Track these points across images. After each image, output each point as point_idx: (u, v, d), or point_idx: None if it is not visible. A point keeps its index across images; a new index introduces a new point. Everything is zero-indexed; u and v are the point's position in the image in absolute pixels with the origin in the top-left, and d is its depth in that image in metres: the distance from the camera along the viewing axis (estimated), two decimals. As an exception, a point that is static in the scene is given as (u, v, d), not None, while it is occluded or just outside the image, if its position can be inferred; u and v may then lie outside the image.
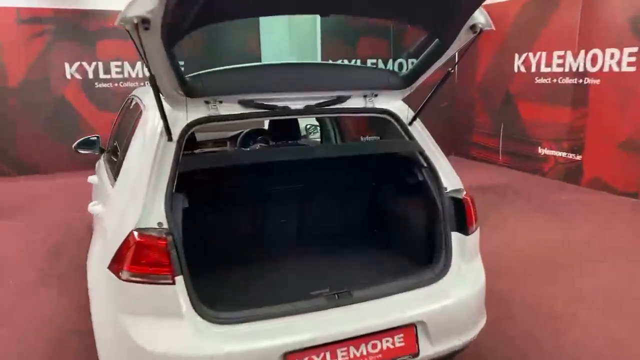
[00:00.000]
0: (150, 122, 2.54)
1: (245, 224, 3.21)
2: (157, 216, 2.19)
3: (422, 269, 2.62)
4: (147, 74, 2.02)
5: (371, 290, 2.42)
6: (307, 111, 2.66)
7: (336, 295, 2.36)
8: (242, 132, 5.18)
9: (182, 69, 2.25)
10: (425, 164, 2.78)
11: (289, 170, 3.06)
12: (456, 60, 2.82)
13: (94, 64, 8.81)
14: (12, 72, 8.47)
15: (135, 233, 2.13)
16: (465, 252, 2.64)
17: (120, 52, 8.72)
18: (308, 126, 5.17)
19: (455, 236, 2.65)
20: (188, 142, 2.73)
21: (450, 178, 2.77)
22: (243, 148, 5.07)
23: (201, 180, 2.80)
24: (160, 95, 2.23)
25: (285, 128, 3.82)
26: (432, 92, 2.63)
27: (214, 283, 2.69)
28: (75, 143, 4.54)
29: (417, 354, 2.36)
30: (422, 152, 2.78)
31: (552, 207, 6.45)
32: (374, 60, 9.38)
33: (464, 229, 2.64)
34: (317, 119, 4.65)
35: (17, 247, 5.33)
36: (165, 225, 2.17)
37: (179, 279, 2.13)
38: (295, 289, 2.56)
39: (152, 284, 2.10)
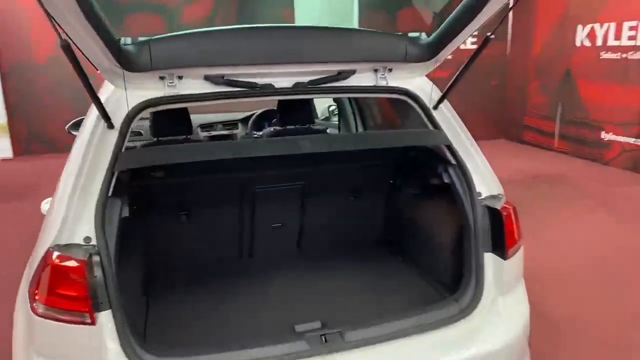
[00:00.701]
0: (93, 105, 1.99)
1: (225, 232, 2.66)
2: (85, 229, 1.66)
3: (444, 300, 2.00)
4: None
5: (371, 330, 1.82)
6: (296, 90, 2.04)
7: (323, 338, 1.77)
8: (254, 113, 4.63)
9: None
10: (453, 161, 2.12)
11: (285, 164, 2.46)
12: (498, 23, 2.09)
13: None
14: (39, 49, 8.22)
15: (55, 253, 1.60)
16: (503, 281, 1.99)
17: (150, 27, 8.31)
18: (331, 107, 4.53)
19: (490, 259, 2.00)
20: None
21: (486, 180, 2.10)
22: (255, 132, 4.52)
23: (161, 178, 2.26)
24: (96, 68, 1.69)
25: (294, 109, 3.23)
26: (466, 65, 1.95)
27: (171, 313, 2.17)
28: (69, 124, 4.11)
29: None
30: (449, 146, 2.12)
31: (613, 202, 5.56)
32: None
33: (502, 249, 1.98)
34: (335, 100, 4.01)
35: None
36: (94, 242, 1.64)
37: (104, 315, 1.60)
38: (277, 321, 2.01)
39: (66, 323, 1.57)
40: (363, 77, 2.12)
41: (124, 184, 1.94)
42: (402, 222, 2.67)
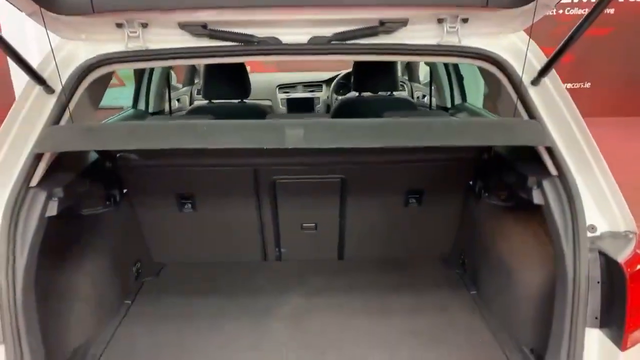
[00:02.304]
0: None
1: (241, 229, 2.11)
2: None
3: None
4: None
5: None
6: (313, 49, 1.38)
7: None
8: (339, 73, 3.96)
9: None
10: (553, 172, 1.33)
11: (313, 152, 1.80)
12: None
13: None
14: None
15: None
16: None
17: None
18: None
19: (596, 340, 1.22)
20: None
21: (607, 206, 1.30)
22: (337, 96, 3.88)
23: (148, 160, 1.76)
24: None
25: (371, 73, 2.59)
26: (587, 17, 1.13)
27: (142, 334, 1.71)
28: None
29: None
30: (550, 149, 1.33)
31: None
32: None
33: (618, 329, 1.18)
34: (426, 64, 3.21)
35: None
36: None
37: None
38: None
39: None
40: (421, 32, 1.39)
41: (69, 168, 1.47)
42: (478, 242, 1.91)
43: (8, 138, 1.31)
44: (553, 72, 1.38)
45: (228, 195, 1.97)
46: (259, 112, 2.68)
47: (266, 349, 1.63)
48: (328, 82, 4.10)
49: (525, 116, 1.39)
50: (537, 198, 1.36)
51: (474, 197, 1.91)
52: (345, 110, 2.86)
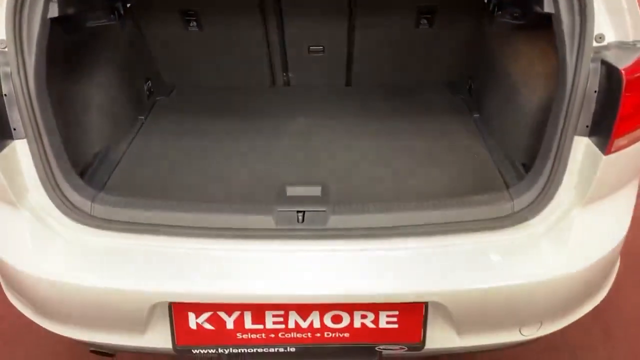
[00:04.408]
0: None
1: (248, 49, 2.08)
2: None
3: (495, 194, 1.37)
4: None
5: (369, 219, 1.31)
6: None
7: (299, 216, 1.31)
8: None
9: None
10: None
11: None
12: None
13: None
14: None
15: None
16: (592, 184, 1.27)
17: None
18: None
19: (582, 147, 1.27)
20: None
21: (623, 13, 1.25)
22: None
23: None
24: None
25: None
26: None
27: (153, 148, 1.80)
28: None
29: (420, 345, 1.32)
30: None
31: None
32: None
33: (605, 136, 1.22)
34: None
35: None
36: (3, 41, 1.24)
37: (19, 145, 1.27)
38: (276, 175, 1.62)
39: None
40: None
41: None
42: (487, 64, 1.87)
43: None
44: None
45: (233, 11, 1.92)
46: None
47: (270, 163, 1.73)
48: None
49: None
50: (547, 5, 1.30)
51: (487, 15, 1.83)
52: None
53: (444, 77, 2.15)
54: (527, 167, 1.52)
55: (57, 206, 1.30)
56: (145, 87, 2.06)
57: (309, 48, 2.02)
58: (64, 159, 1.35)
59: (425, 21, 1.92)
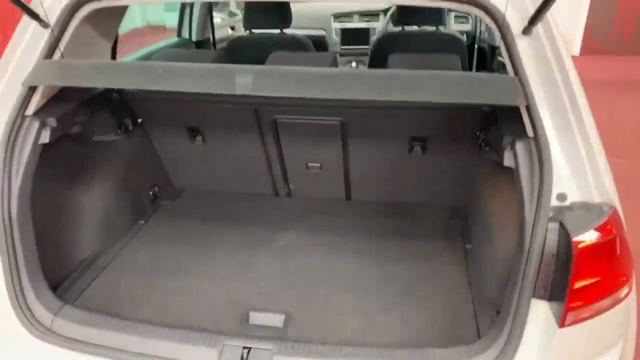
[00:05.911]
0: None
1: (250, 163, 2.17)
2: None
3: (453, 349, 1.29)
4: None
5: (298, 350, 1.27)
6: None
7: (244, 353, 1.29)
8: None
9: None
10: (530, 133, 1.24)
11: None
12: None
13: None
14: None
15: None
16: (548, 358, 1.16)
17: None
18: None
19: (542, 309, 1.18)
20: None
21: (585, 174, 1.19)
22: (394, 28, 3.71)
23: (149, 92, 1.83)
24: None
25: (414, 6, 2.47)
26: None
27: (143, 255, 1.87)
28: None
29: None
30: (528, 108, 1.22)
31: None
32: None
33: (559, 304, 1.13)
34: None
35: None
36: None
37: None
38: (242, 301, 1.63)
39: None
40: None
41: (70, 99, 1.58)
42: (475, 196, 1.83)
43: (7, 71, 1.43)
44: (547, 19, 1.24)
45: (234, 131, 2.03)
46: (295, 44, 2.65)
47: (247, 281, 1.74)
48: (385, 11, 3.92)
49: (509, 69, 1.28)
50: (507, 160, 1.28)
51: (478, 147, 1.82)
52: (384, 46, 2.76)
53: (444, 200, 2.12)
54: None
55: (17, 316, 1.35)
56: (151, 192, 2.17)
57: (307, 165, 2.08)
58: (35, 270, 1.42)
59: (418, 147, 1.93)
